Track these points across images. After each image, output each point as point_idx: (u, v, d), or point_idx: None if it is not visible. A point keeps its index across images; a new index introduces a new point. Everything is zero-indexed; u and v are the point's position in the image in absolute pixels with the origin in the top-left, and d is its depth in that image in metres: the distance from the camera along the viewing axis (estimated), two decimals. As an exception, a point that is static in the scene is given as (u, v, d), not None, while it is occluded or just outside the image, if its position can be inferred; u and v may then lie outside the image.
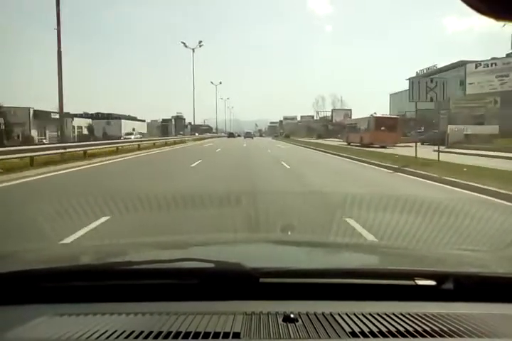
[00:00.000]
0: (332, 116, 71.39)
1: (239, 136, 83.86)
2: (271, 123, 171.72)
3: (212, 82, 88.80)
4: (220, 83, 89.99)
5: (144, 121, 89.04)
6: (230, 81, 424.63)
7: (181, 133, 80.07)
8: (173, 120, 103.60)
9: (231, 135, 78.73)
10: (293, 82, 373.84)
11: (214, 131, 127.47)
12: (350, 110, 71.22)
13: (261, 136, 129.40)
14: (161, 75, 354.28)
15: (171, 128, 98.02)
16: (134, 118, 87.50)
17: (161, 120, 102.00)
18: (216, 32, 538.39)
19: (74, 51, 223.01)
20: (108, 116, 76.51)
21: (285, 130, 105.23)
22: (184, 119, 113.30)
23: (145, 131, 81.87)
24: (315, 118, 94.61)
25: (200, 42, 53.46)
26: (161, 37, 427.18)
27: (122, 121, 74.75)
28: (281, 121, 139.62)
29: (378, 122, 29.03)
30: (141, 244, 1.91)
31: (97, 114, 77.62)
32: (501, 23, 0.78)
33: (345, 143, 33.79)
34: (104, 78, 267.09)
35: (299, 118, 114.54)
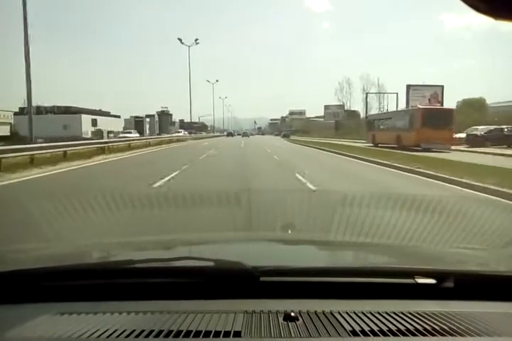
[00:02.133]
0: (407, 100, 41.25)
1: (239, 134, 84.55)
2: (271, 120, 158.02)
3: (208, 81, 79.35)
4: (217, 81, 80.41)
5: (118, 116, 71.87)
6: (227, 78, 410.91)
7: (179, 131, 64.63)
8: (156, 116, 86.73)
9: (230, 134, 79.82)
10: (292, 80, 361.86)
11: (209, 129, 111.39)
12: (442, 87, 42.38)
13: (263, 134, 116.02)
14: (151, 71, 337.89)
15: (153, 125, 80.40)
16: (106, 114, 70.11)
17: (144, 116, 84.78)
18: (212, 28, 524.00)
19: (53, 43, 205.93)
20: (66, 110, 59.45)
21: (294, 127, 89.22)
22: (171, 115, 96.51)
23: (119, 128, 64.12)
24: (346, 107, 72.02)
25: (197, 40, 49.16)
26: (155, 33, 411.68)
27: (83, 116, 57.38)
28: (283, 118, 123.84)
29: (428, 116, 21.01)
30: (141, 243, 1.90)
31: (53, 107, 60.57)
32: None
33: (371, 145, 25.93)
34: (89, 73, 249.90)
35: (308, 115, 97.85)
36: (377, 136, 26.25)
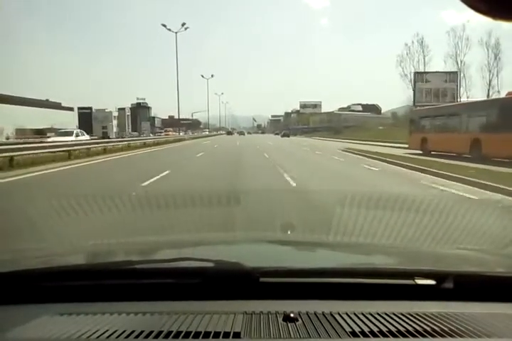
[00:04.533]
0: None
1: (240, 133, 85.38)
2: (273, 116, 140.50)
3: (203, 76, 67.28)
4: (212, 76, 69.00)
5: (70, 109, 52.54)
6: (225, 76, 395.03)
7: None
8: (127, 109, 67.48)
9: (229, 133, 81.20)
10: (292, 78, 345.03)
11: (201, 126, 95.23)
12: None
13: (262, 133, 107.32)
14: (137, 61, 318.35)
15: (123, 121, 61.41)
16: (54, 106, 50.93)
17: (116, 109, 65.71)
18: (209, 24, 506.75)
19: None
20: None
21: (311, 123, 70.80)
22: (149, 108, 77.18)
23: (70, 124, 45.09)
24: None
25: (184, 24, 40.75)
26: (145, 23, 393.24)
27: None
28: (288, 113, 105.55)
29: None
30: (141, 244, 1.89)
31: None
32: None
33: (418, 152, 18.31)
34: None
35: (325, 109, 78.02)
36: (431, 141, 18.09)
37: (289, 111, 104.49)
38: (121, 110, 65.66)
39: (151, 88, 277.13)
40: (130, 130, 64.80)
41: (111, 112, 61.43)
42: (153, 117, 78.96)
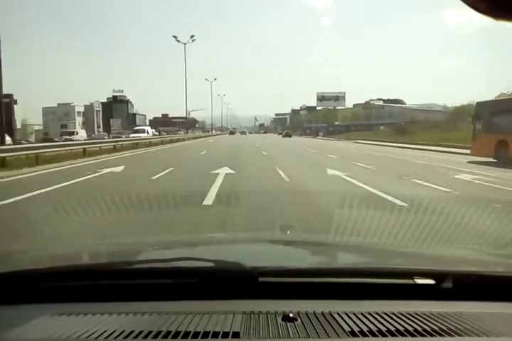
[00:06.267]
0: None
1: (242, 132, 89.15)
2: (276, 115, 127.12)
3: (207, 79, 67.19)
4: (215, 79, 69.27)
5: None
6: (225, 75, 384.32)
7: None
8: (96, 104, 53.50)
9: (231, 133, 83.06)
10: (295, 77, 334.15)
11: (197, 126, 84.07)
12: None
13: (264, 132, 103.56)
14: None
15: (91, 120, 48.07)
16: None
17: (90, 103, 52.10)
18: (209, 24, 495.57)
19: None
20: None
21: (340, 119, 57.42)
22: (128, 103, 63.01)
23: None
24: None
25: (193, 36, 43.33)
26: (153, 29, 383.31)
27: None
28: (295, 111, 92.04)
29: None
30: (141, 244, 1.89)
31: None
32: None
33: (489, 160, 13.95)
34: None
35: (349, 104, 62.75)
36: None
37: (298, 108, 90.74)
38: (89, 105, 51.73)
39: (148, 86, 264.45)
40: (101, 129, 50.53)
41: (74, 107, 47.52)
42: (134, 114, 64.64)
